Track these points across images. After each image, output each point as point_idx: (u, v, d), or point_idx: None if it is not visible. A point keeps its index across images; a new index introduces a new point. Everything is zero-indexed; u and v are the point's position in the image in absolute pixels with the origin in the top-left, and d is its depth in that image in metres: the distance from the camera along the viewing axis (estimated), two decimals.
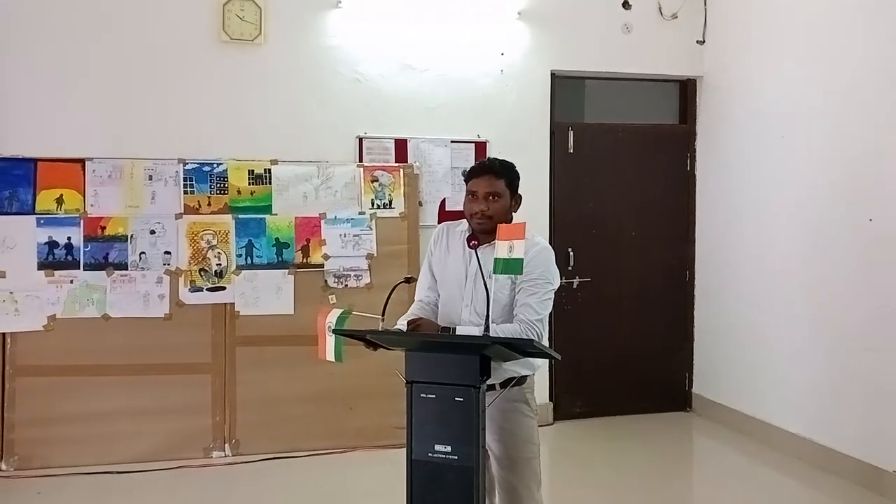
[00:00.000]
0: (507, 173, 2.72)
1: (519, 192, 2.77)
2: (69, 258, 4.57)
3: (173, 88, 4.80)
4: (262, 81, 4.93)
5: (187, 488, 4.25)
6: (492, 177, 2.69)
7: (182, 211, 4.72)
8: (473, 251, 2.59)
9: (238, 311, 4.74)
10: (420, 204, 5.10)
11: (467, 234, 2.72)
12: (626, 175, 5.63)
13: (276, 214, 4.83)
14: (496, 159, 2.81)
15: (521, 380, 2.68)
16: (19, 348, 4.49)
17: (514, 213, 2.76)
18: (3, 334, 4.49)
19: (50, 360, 4.50)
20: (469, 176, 2.76)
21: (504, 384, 2.56)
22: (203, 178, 4.76)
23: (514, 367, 2.61)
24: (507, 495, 2.73)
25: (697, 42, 5.61)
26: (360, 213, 4.94)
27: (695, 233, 5.76)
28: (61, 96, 4.66)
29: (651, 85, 5.78)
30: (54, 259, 4.56)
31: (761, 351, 5.05)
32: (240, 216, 4.79)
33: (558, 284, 2.72)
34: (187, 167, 4.73)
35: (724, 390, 5.45)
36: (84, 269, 4.58)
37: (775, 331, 4.92)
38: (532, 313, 2.58)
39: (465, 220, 2.79)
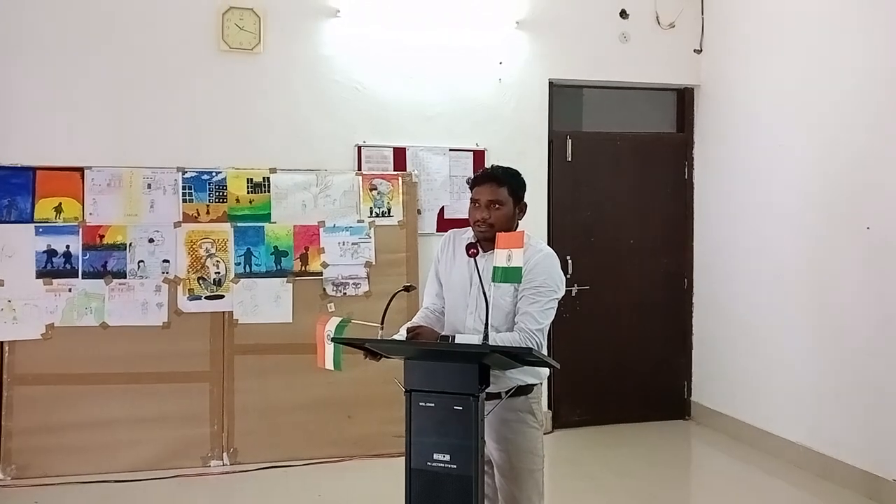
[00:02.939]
0: (510, 181, 2.71)
1: (524, 200, 2.76)
2: (68, 266, 4.57)
3: (172, 97, 4.81)
4: (261, 90, 4.94)
5: (185, 497, 4.24)
6: (494, 185, 2.68)
7: (181, 219, 4.72)
8: (473, 259, 2.59)
9: (237, 320, 4.73)
10: (419, 212, 5.10)
11: (469, 242, 2.71)
12: (624, 183, 5.65)
13: (274, 223, 4.84)
14: (500, 167, 2.80)
15: (526, 389, 2.68)
16: (17, 357, 4.48)
17: (518, 222, 2.75)
18: (2, 343, 4.47)
19: (48, 369, 4.49)
20: (473, 183, 2.76)
21: (508, 393, 2.56)
22: (202, 186, 4.76)
23: (520, 376, 2.60)
24: None
25: (695, 51, 5.64)
26: (359, 222, 4.94)
27: (693, 241, 5.77)
28: (60, 105, 4.67)
29: (649, 94, 5.80)
30: (53, 267, 4.55)
31: (760, 359, 5.05)
32: (238, 224, 4.79)
33: (563, 292, 2.70)
34: (186, 176, 4.74)
35: (722, 398, 5.44)
36: (82, 278, 4.57)
37: (774, 339, 4.92)
38: (532, 322, 2.58)
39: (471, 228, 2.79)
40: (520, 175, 2.77)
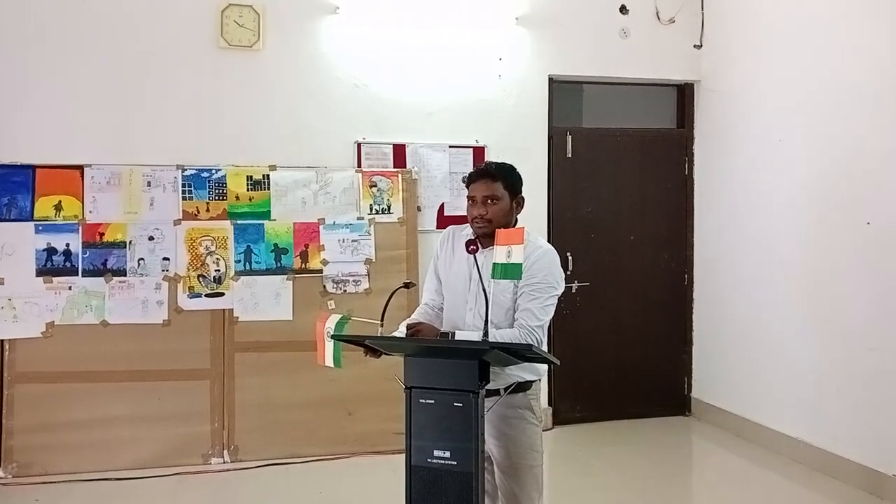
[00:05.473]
0: (504, 175, 2.72)
1: (521, 194, 2.77)
2: (68, 265, 4.57)
3: (172, 94, 4.81)
4: (261, 87, 4.93)
5: (186, 495, 4.24)
6: (488, 180, 2.69)
7: (180, 217, 4.72)
8: (473, 255, 2.59)
9: (237, 317, 4.73)
10: (419, 209, 5.10)
11: (468, 239, 2.71)
12: (624, 179, 5.64)
13: (274, 220, 4.83)
14: (493, 162, 2.82)
15: (525, 386, 2.68)
16: (18, 355, 4.48)
17: (517, 216, 2.76)
18: (2, 341, 4.48)
19: (48, 367, 4.49)
20: (468, 181, 2.77)
21: (507, 390, 2.56)
22: (201, 184, 4.76)
23: (519, 373, 2.61)
24: (509, 502, 2.72)
25: (695, 46, 5.63)
26: (359, 219, 4.94)
27: (693, 237, 5.77)
28: (60, 103, 4.67)
29: (649, 89, 5.79)
30: (53, 266, 4.55)
31: (760, 355, 5.05)
32: (238, 222, 4.79)
33: (562, 289, 2.71)
34: (186, 173, 4.73)
35: (723, 394, 5.44)
36: (83, 276, 4.58)
37: (774, 334, 4.92)
38: (532, 319, 2.58)
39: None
40: (514, 169, 2.78)
